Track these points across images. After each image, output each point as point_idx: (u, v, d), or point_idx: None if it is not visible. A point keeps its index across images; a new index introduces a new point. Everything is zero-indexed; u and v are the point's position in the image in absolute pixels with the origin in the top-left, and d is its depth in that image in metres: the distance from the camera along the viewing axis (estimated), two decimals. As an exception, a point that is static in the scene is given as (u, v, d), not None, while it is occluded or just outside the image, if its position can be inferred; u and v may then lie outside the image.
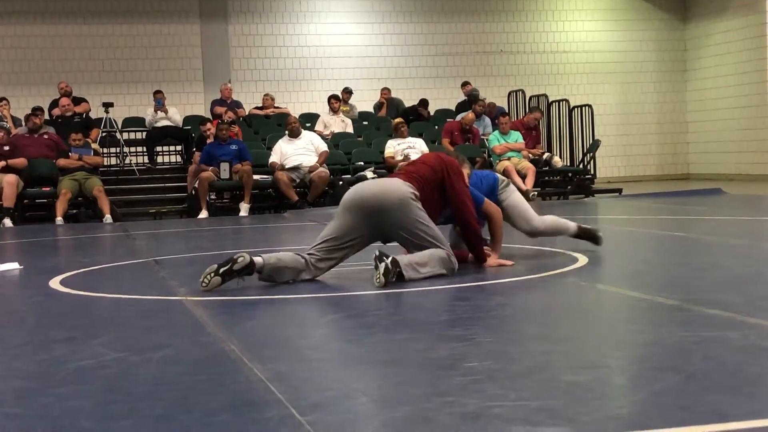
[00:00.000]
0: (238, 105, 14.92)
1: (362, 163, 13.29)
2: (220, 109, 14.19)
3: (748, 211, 10.04)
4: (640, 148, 19.35)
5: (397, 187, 5.01)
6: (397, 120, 13.65)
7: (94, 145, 12.83)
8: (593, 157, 14.92)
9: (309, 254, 4.97)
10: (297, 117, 13.51)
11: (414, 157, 11.19)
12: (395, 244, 5.16)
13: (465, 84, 16.45)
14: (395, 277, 4.71)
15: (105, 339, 3.58)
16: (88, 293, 4.94)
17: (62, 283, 5.35)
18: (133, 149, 14.72)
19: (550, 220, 6.00)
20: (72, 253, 8.10)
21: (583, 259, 5.52)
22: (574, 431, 2.19)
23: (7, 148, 11.82)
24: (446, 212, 5.44)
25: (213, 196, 12.71)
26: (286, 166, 12.33)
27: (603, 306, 4.26)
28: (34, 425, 2.44)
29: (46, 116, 13.52)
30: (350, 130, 14.64)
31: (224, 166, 12.01)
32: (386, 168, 12.68)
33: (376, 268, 4.68)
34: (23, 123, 12.85)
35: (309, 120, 14.85)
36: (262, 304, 4.48)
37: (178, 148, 14.74)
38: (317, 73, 17.51)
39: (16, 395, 2.78)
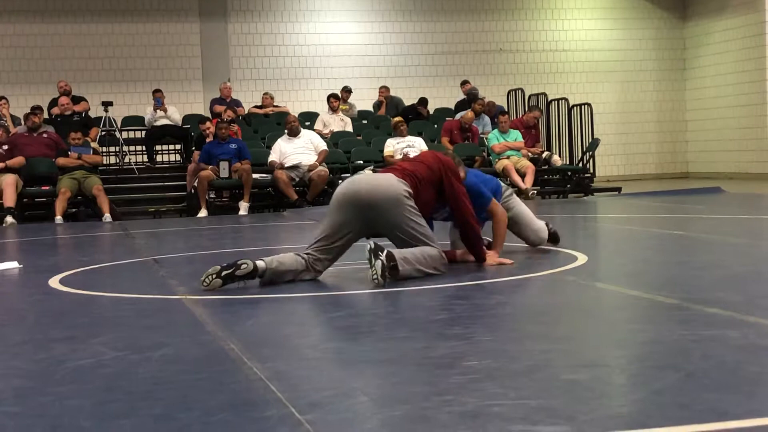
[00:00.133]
0: (237, 104, 14.89)
1: (361, 162, 13.26)
2: (219, 108, 14.16)
3: (747, 209, 10.05)
4: (640, 147, 19.33)
5: (390, 183, 4.98)
6: (397, 119, 13.64)
7: (94, 144, 12.81)
8: (592, 156, 14.90)
9: (306, 254, 4.97)
10: (296, 116, 13.48)
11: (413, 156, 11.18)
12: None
13: (464, 83, 16.44)
14: (390, 271, 4.67)
15: (104, 338, 3.58)
16: (88, 292, 4.94)
17: (62, 282, 5.35)
18: (132, 148, 14.72)
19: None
20: (71, 252, 8.09)
21: (582, 258, 5.53)
22: (573, 430, 2.19)
23: (6, 147, 11.82)
24: (445, 211, 5.44)
25: (212, 195, 12.71)
26: (286, 165, 12.32)
27: (602, 305, 4.25)
28: (34, 424, 2.44)
29: (46, 115, 13.50)
30: (349, 128, 14.64)
31: (223, 165, 12.00)
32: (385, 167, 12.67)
33: (371, 264, 4.67)
34: (22, 122, 12.83)
35: (308, 119, 14.85)
36: (261, 303, 4.48)
37: (178, 147, 14.73)
38: (316, 71, 17.49)
39: (15, 394, 2.78)
